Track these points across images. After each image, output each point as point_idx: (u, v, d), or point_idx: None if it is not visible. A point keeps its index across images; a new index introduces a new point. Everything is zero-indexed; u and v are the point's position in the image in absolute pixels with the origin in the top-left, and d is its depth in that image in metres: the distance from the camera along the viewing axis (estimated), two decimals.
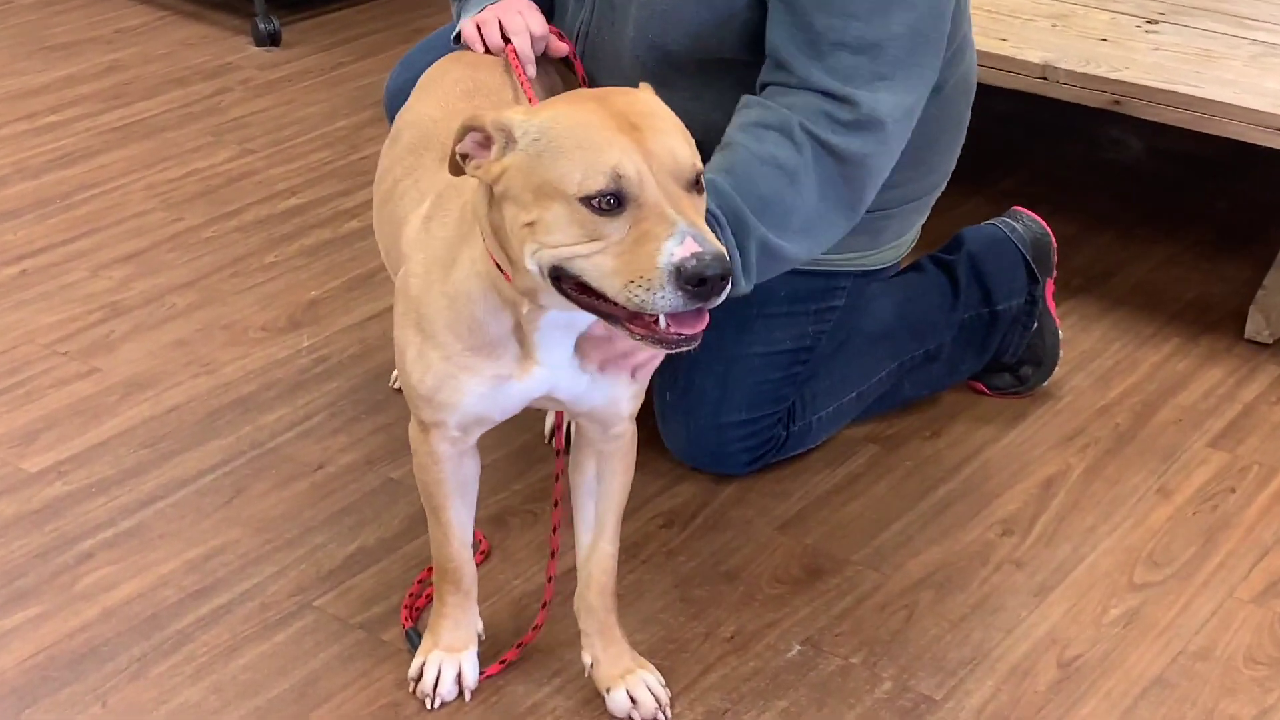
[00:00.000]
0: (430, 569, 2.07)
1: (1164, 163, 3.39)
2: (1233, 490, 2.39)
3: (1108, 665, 2.05)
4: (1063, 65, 2.75)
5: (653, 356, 1.79)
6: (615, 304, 1.55)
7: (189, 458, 2.46)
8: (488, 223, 1.65)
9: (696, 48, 2.11)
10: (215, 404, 2.60)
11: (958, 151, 2.38)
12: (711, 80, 2.12)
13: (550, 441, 2.47)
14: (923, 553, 2.26)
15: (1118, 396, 2.61)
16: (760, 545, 2.27)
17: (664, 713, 1.96)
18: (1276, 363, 2.70)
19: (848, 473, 2.43)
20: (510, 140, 1.59)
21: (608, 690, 1.97)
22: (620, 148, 1.54)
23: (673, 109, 1.65)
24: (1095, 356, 2.71)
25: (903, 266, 2.51)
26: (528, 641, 2.03)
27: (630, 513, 1.97)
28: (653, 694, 1.96)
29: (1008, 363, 2.58)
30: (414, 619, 2.10)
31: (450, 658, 1.99)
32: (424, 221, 1.81)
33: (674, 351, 1.59)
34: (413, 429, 1.89)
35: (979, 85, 2.37)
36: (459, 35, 2.23)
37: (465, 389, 1.77)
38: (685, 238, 1.50)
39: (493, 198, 1.63)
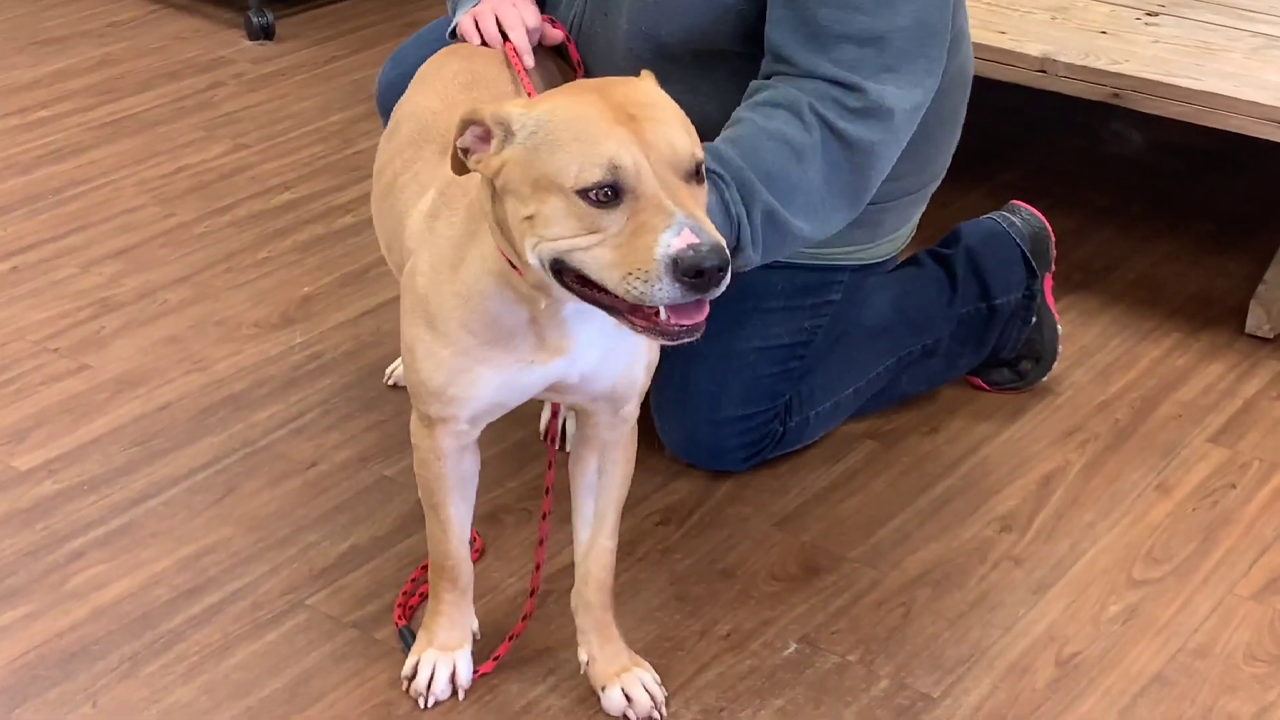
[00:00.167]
0: (424, 567, 2.06)
1: (1164, 156, 3.38)
2: (1233, 486, 2.37)
3: (1107, 662, 2.04)
4: (1062, 58, 2.73)
5: None
6: (616, 296, 1.54)
7: (180, 455, 2.45)
8: (494, 218, 1.64)
9: (690, 40, 2.10)
10: (207, 401, 2.58)
11: (955, 144, 2.37)
12: (706, 72, 2.10)
13: (545, 438, 2.45)
14: (920, 550, 2.24)
15: (1117, 392, 2.59)
16: (757, 542, 2.26)
17: (659, 711, 1.94)
18: (1277, 358, 2.68)
19: (845, 469, 2.42)
20: (509, 134, 1.58)
21: (603, 688, 1.95)
22: (617, 139, 1.52)
23: None
24: (1095, 351, 2.70)
25: (900, 261, 2.50)
26: (518, 633, 2.01)
27: (626, 510, 1.96)
28: (648, 692, 1.95)
29: (1006, 358, 2.57)
30: (408, 617, 2.08)
31: (445, 656, 1.97)
32: (428, 219, 1.79)
33: (677, 343, 1.58)
34: (414, 425, 1.87)
35: (977, 78, 2.36)
36: (455, 30, 2.22)
37: (481, 381, 1.75)
38: (682, 229, 1.49)
39: (495, 193, 1.62)
